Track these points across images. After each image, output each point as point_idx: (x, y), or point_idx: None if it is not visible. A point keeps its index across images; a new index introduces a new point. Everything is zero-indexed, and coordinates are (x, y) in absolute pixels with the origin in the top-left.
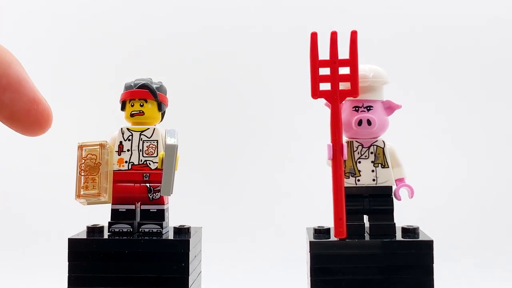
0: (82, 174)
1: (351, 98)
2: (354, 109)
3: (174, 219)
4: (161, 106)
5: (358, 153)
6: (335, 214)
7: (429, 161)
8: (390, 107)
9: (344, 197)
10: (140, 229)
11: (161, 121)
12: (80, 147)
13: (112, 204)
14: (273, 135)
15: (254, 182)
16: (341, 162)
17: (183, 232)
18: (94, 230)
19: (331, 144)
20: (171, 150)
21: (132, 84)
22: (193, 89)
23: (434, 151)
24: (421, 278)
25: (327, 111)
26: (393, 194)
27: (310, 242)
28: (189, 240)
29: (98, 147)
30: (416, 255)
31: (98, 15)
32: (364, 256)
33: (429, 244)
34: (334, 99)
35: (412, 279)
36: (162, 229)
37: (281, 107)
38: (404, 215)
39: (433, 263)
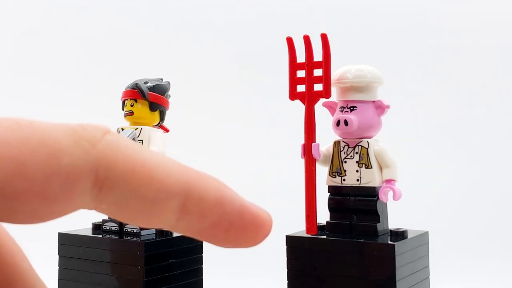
0: None
1: (342, 99)
2: (340, 109)
3: None
4: (153, 106)
5: (345, 153)
6: (305, 211)
7: (434, 162)
8: (380, 107)
9: (314, 195)
10: (124, 228)
11: (161, 121)
12: None
13: None
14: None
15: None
16: (313, 161)
17: (165, 235)
18: (96, 227)
19: (304, 143)
20: None
21: (128, 84)
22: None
23: (442, 153)
24: (384, 279)
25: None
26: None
27: (286, 236)
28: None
29: None
30: (379, 257)
31: (109, 14)
32: (332, 253)
33: (390, 248)
34: (307, 100)
35: (376, 280)
36: (141, 229)
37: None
38: (408, 216)
39: (395, 266)
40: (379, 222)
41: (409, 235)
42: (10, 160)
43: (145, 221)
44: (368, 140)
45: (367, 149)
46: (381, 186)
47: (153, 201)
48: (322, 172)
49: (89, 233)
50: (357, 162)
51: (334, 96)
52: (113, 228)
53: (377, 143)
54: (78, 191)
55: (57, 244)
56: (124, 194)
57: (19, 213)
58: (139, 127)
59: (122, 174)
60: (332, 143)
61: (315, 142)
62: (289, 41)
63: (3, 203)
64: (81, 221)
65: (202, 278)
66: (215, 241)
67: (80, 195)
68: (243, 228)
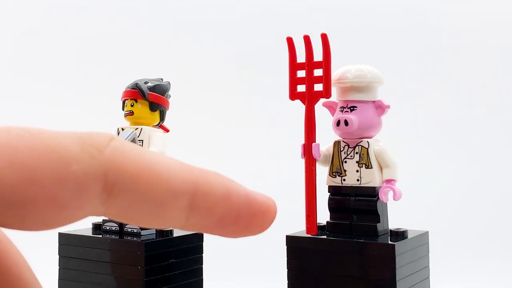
0: None
1: (342, 99)
2: (340, 109)
3: None
4: (153, 106)
5: (345, 153)
6: (305, 211)
7: (434, 162)
8: (380, 107)
9: (315, 195)
10: (124, 228)
11: (161, 121)
12: None
13: None
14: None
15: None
16: (313, 161)
17: (165, 235)
18: (96, 227)
19: (304, 143)
20: None
21: (128, 84)
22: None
23: (442, 153)
24: (384, 279)
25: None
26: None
27: (286, 236)
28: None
29: None
30: (379, 257)
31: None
32: (332, 253)
33: (391, 248)
34: (307, 100)
35: (376, 280)
36: (142, 229)
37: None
38: (408, 216)
39: (395, 266)
40: (379, 222)
41: (409, 235)
42: (20, 167)
43: (155, 223)
44: (368, 140)
45: (367, 149)
46: (381, 186)
47: (162, 202)
48: (322, 172)
49: (89, 233)
50: (357, 162)
51: (334, 96)
52: (113, 228)
53: (377, 143)
54: (88, 197)
55: (57, 244)
56: (133, 198)
57: (30, 220)
58: (139, 127)
59: (130, 178)
60: (332, 143)
61: (315, 142)
62: (289, 41)
63: (14, 210)
64: (81, 221)
65: (202, 278)
66: (225, 234)
67: (90, 201)
68: (251, 218)
